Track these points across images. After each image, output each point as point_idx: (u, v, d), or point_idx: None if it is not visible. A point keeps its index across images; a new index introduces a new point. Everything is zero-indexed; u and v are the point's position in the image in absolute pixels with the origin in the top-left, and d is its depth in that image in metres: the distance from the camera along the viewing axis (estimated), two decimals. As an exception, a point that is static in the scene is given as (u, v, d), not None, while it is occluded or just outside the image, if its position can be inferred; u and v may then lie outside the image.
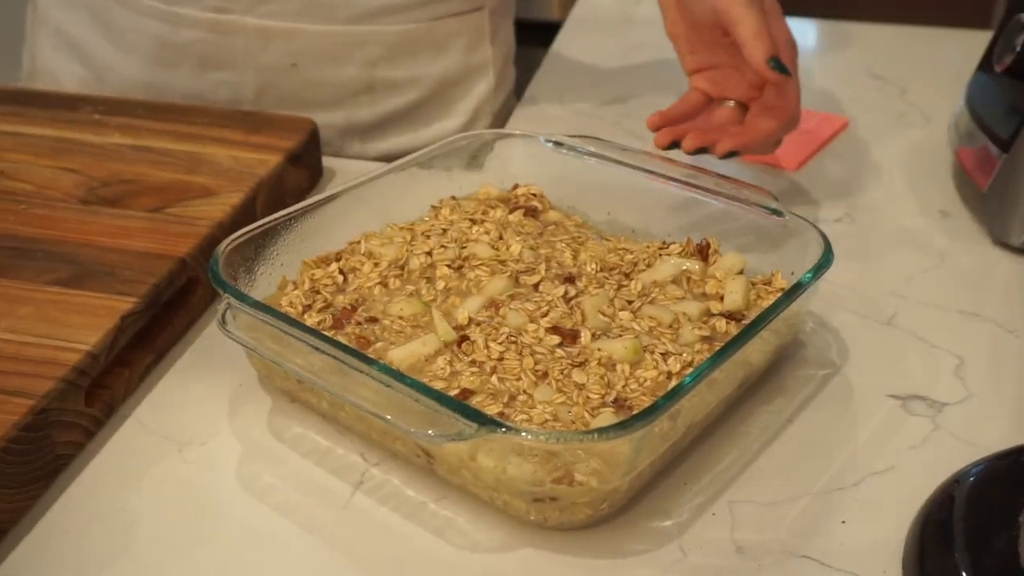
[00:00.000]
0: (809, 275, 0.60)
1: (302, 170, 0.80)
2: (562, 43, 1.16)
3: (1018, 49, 0.80)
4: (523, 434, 0.48)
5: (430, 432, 0.49)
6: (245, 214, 0.72)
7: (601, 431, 0.48)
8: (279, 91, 0.90)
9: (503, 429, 0.48)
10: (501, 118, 1.00)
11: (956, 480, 0.55)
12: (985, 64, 0.87)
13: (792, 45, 0.75)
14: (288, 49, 0.88)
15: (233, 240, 0.62)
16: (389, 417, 0.50)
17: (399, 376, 0.51)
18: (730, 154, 0.73)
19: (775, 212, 0.67)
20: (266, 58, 0.88)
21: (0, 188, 0.73)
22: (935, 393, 0.63)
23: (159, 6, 0.86)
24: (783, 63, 0.72)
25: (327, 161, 0.86)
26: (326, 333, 0.58)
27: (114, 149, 0.78)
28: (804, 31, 1.25)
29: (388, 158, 0.82)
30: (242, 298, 0.57)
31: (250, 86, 0.89)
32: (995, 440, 0.59)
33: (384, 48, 0.89)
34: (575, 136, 0.76)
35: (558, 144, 0.76)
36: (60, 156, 0.77)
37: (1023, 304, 0.72)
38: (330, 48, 0.88)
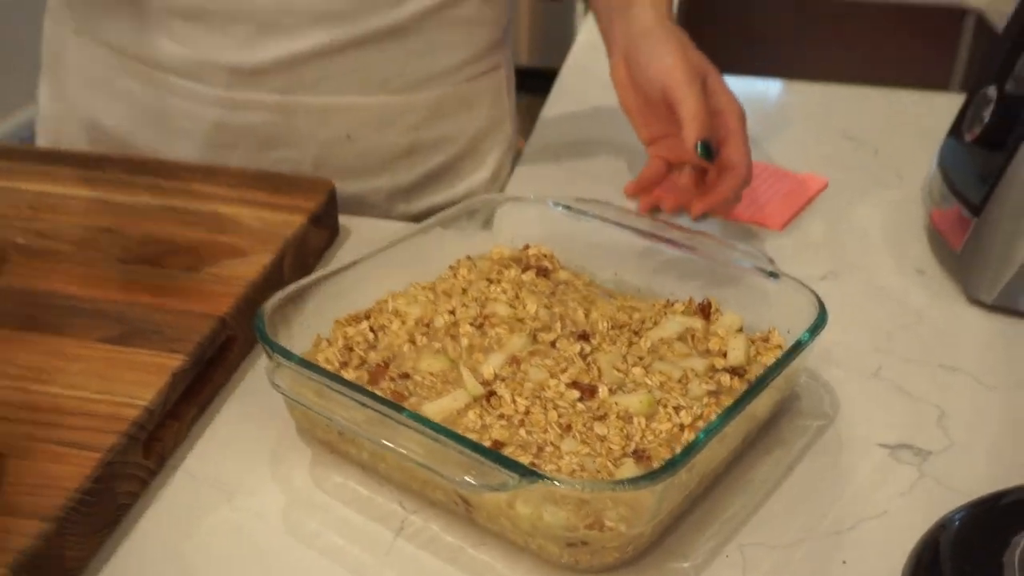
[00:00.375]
0: (808, 334, 0.66)
1: (323, 230, 0.85)
2: (551, 106, 1.22)
3: (986, 121, 0.87)
4: (562, 484, 0.53)
5: (475, 483, 0.54)
6: (275, 273, 0.76)
7: (632, 481, 0.53)
8: (334, 162, 0.95)
9: (544, 480, 0.53)
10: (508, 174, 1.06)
11: (942, 525, 0.61)
12: (955, 131, 0.94)
13: (738, 114, 0.83)
14: (345, 122, 0.93)
15: (275, 300, 0.66)
16: (440, 469, 0.54)
17: (446, 431, 0.56)
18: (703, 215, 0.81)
19: (771, 274, 0.73)
20: (325, 133, 0.93)
21: (40, 247, 0.77)
22: (920, 442, 0.69)
23: (219, 93, 0.90)
24: (711, 147, 0.80)
25: (344, 220, 0.90)
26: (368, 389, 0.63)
27: (144, 208, 0.82)
28: (776, 92, 1.32)
29: (428, 214, 0.87)
30: (289, 356, 0.62)
31: (308, 161, 0.94)
32: (975, 485, 0.64)
33: (426, 112, 0.96)
34: (581, 200, 0.81)
35: (566, 207, 0.81)
36: (94, 216, 0.81)
37: (997, 359, 0.78)
38: (381, 117, 0.94)
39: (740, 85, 1.37)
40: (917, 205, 0.98)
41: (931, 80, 1.85)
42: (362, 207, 0.98)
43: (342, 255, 0.87)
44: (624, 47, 0.87)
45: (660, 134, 0.85)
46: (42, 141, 1.02)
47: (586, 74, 1.31)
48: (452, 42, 0.94)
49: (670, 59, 0.81)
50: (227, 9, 0.86)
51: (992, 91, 0.87)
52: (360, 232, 0.90)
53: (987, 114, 0.87)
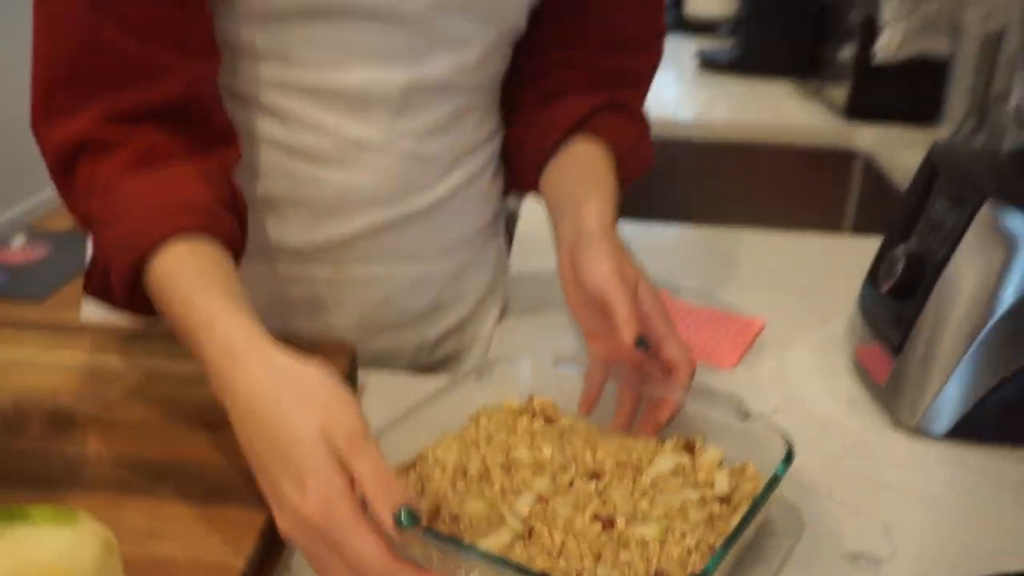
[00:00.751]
0: (783, 467, 0.81)
1: (349, 387, 0.97)
2: (516, 259, 1.37)
3: (897, 275, 1.04)
4: (616, 605, 0.66)
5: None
6: (320, 430, 0.88)
7: (669, 600, 0.67)
8: (373, 324, 1.08)
9: (602, 603, 0.66)
10: None
11: (900, 619, 0.75)
12: (872, 281, 1.12)
13: (664, 316, 0.93)
14: (384, 288, 1.06)
15: (344, 459, 0.78)
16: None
17: (522, 567, 0.68)
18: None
19: (744, 415, 0.88)
20: (367, 298, 1.06)
21: (113, 418, 0.87)
22: (872, 551, 0.84)
23: (277, 271, 1.02)
24: (647, 341, 0.90)
25: (360, 375, 1.03)
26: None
27: (198, 377, 0.93)
28: (688, 238, 1.50)
29: (443, 361, 0.98)
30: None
31: (351, 326, 1.06)
32: (921, 586, 0.80)
33: (449, 275, 1.11)
34: (577, 357, 0.96)
35: (564, 363, 0.96)
36: (154, 386, 0.92)
37: (924, 476, 0.94)
38: (414, 281, 1.08)
39: (666, 232, 1.54)
40: (842, 342, 1.16)
41: (826, 217, 2.08)
42: (391, 359, 1.12)
43: (365, 411, 0.98)
44: (570, 247, 0.98)
45: (601, 331, 0.94)
46: (90, 315, 1.11)
47: (542, 228, 1.47)
48: (469, 214, 1.10)
49: (606, 268, 0.92)
50: (291, 199, 1.00)
51: (900, 250, 1.05)
52: (374, 387, 1.03)
53: (899, 269, 1.05)
